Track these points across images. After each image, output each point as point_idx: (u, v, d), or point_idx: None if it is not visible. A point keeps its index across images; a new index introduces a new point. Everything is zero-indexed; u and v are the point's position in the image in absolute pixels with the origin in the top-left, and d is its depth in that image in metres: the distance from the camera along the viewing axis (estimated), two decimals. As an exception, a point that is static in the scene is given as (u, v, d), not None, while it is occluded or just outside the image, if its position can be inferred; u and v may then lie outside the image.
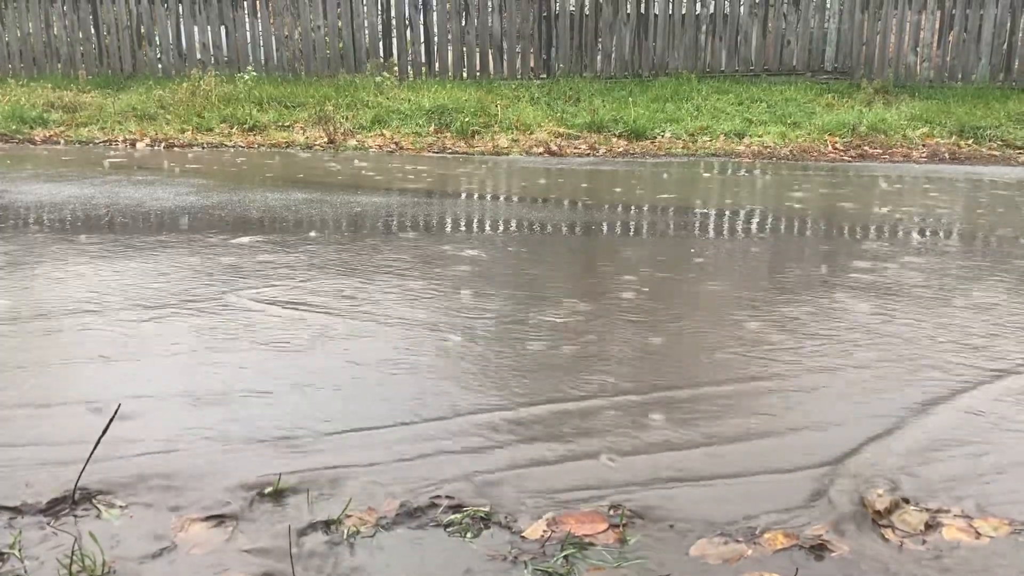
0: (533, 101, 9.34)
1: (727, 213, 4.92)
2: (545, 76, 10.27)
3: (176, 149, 7.92)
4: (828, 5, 9.85)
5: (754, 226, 4.57)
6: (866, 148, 7.81)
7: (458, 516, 1.62)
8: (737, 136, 8.20)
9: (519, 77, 10.30)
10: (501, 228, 4.41)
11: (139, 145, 8.10)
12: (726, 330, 2.70)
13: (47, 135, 8.46)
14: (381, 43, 10.39)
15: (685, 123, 8.51)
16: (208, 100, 9.12)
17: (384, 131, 8.42)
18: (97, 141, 8.27)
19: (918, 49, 9.74)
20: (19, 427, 1.99)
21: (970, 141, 7.97)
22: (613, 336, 2.63)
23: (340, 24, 10.33)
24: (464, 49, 10.36)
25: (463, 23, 10.27)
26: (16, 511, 1.63)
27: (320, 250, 3.74)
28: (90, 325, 2.70)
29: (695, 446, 1.91)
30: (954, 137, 8.06)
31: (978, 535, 1.57)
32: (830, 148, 7.82)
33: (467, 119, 8.41)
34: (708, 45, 10.14)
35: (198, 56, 10.55)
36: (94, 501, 1.67)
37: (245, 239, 3.96)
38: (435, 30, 10.33)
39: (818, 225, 4.54)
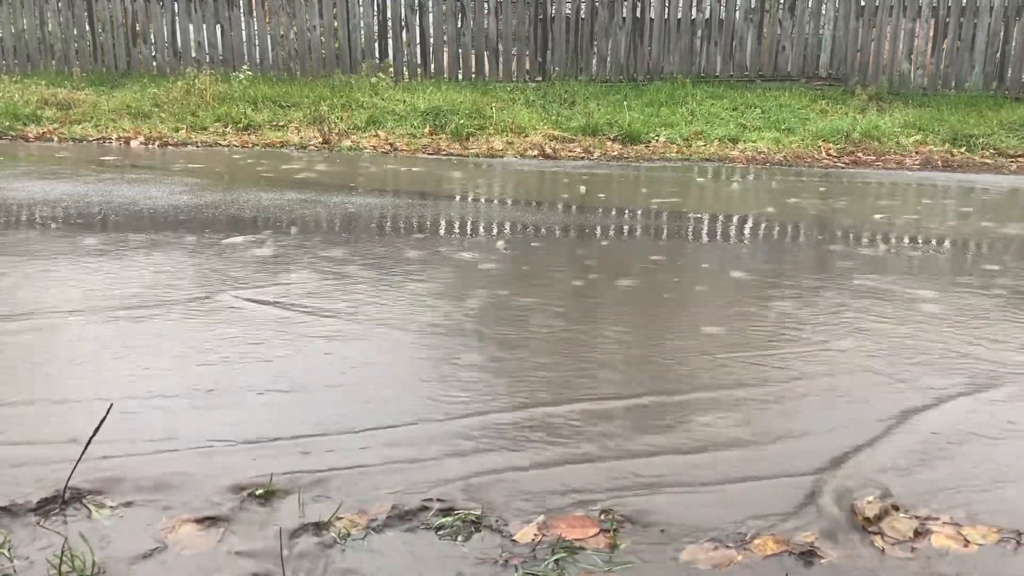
0: (528, 104, 9.34)
1: (720, 218, 4.93)
2: (540, 79, 10.28)
3: (170, 148, 7.90)
4: (823, 11, 9.89)
5: (747, 231, 4.58)
6: (859, 155, 7.84)
7: (449, 519, 1.62)
8: (731, 141, 8.22)
9: (514, 80, 10.31)
10: (496, 231, 4.41)
11: (133, 143, 8.08)
12: (718, 336, 2.71)
13: (40, 132, 8.43)
14: (377, 44, 10.38)
15: (680, 128, 8.53)
16: (203, 99, 9.10)
17: (379, 132, 8.42)
18: (91, 139, 8.24)
19: (912, 56, 9.78)
20: (9, 426, 1.98)
21: (963, 149, 8.00)
22: (604, 341, 2.64)
23: (336, 24, 10.32)
24: (460, 51, 10.37)
25: (459, 25, 10.27)
26: (6, 511, 1.63)
27: (314, 250, 3.74)
28: (81, 324, 2.69)
29: (686, 452, 1.92)
30: (947, 145, 8.09)
31: (967, 543, 1.58)
32: (824, 154, 7.85)
33: (462, 121, 8.42)
34: (703, 50, 10.16)
35: (193, 55, 10.53)
36: (85, 501, 1.66)
37: (238, 238, 3.95)
38: (431, 31, 10.33)
39: (811, 231, 4.55)
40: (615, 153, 7.86)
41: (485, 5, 10.20)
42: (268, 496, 1.69)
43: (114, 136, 8.28)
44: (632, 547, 1.55)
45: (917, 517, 1.66)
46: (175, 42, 10.60)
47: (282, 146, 7.96)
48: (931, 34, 9.71)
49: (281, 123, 8.75)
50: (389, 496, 1.70)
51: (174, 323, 2.72)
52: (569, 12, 10.25)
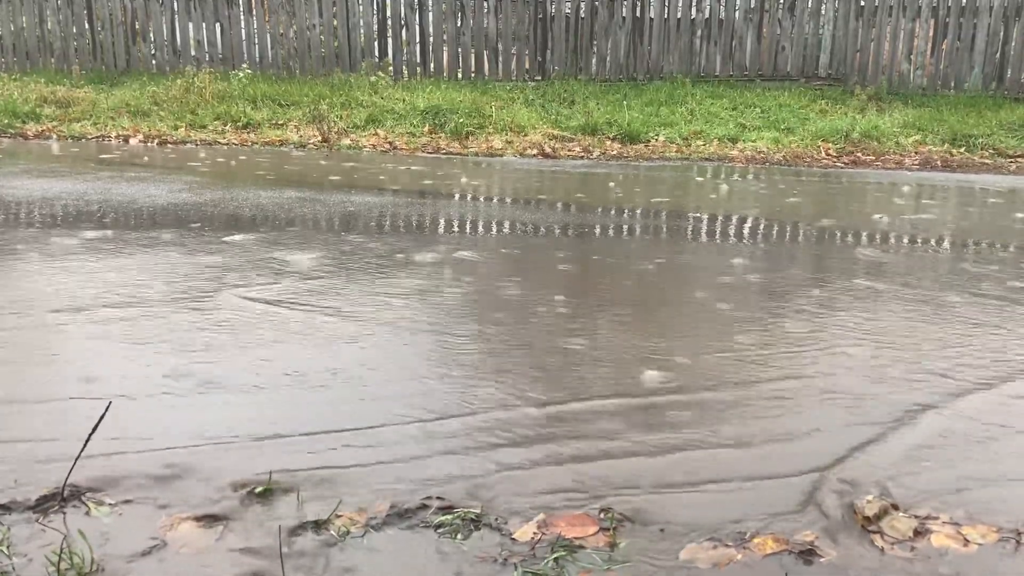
0: (527, 103, 9.34)
1: (719, 218, 4.93)
2: (540, 78, 10.28)
3: (169, 146, 7.89)
4: (823, 11, 9.89)
5: (745, 232, 4.58)
6: (859, 155, 7.85)
7: (449, 517, 1.62)
8: (731, 141, 8.22)
9: (514, 79, 10.31)
10: (494, 230, 4.41)
11: (132, 141, 8.07)
12: (715, 337, 2.71)
13: (39, 130, 8.43)
14: (376, 43, 10.38)
15: (679, 127, 8.53)
16: (202, 97, 9.10)
17: (378, 131, 8.42)
18: (90, 137, 8.24)
19: (912, 57, 9.79)
20: (8, 423, 1.98)
21: (962, 149, 8.01)
22: (600, 341, 2.63)
23: (335, 23, 10.31)
24: (459, 50, 10.37)
25: (459, 24, 10.27)
26: (5, 508, 1.62)
27: (313, 249, 3.74)
28: (80, 321, 2.69)
29: (686, 450, 1.91)
30: (946, 145, 8.10)
31: (966, 542, 1.58)
32: (823, 154, 7.85)
33: (461, 120, 8.42)
34: (703, 50, 10.16)
35: (192, 53, 10.52)
36: (84, 498, 1.66)
37: (238, 236, 3.95)
38: (430, 30, 10.32)
39: (809, 231, 4.55)
40: (614, 152, 7.86)
41: (485, 4, 10.20)
42: (267, 494, 1.68)
43: (113, 134, 8.27)
44: (632, 545, 1.55)
45: (917, 516, 1.65)
46: (174, 40, 10.59)
47: (281, 144, 7.96)
48: (931, 34, 9.72)
49: (280, 121, 8.75)
50: (389, 494, 1.69)
51: (173, 320, 2.71)
52: (569, 11, 10.25)
